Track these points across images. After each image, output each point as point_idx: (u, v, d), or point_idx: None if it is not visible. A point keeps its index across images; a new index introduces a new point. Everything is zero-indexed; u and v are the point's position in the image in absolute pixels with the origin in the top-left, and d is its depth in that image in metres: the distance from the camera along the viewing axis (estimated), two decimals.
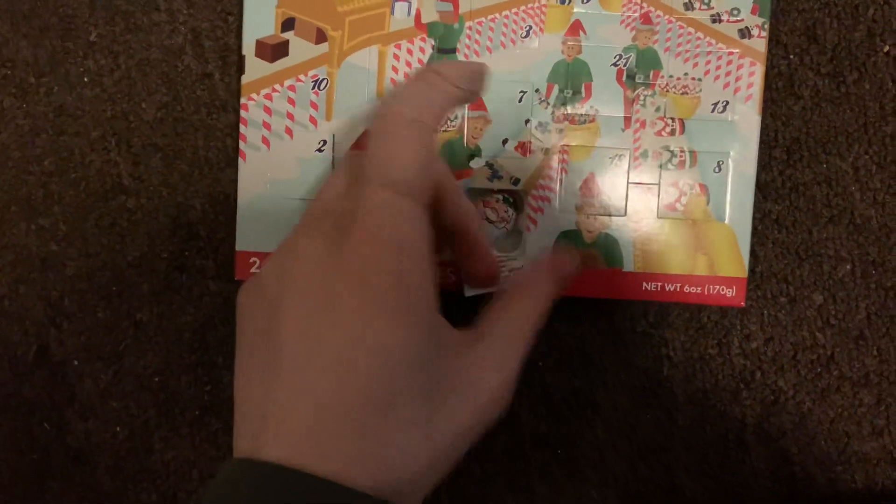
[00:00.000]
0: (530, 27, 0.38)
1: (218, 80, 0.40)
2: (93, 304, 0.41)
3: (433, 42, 0.38)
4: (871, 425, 0.40)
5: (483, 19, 0.38)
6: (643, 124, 0.38)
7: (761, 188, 0.40)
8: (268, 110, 0.38)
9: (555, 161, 0.38)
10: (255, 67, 0.38)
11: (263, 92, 0.38)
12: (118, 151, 0.40)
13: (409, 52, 0.38)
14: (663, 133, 0.38)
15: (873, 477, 0.41)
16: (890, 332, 0.40)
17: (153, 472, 0.41)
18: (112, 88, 0.40)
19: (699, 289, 0.38)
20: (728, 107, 0.38)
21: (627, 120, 0.38)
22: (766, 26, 0.38)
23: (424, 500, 0.26)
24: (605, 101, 0.38)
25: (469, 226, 0.31)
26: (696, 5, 0.38)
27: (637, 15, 0.38)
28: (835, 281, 0.40)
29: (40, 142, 0.40)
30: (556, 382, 0.41)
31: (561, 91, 0.38)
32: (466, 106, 0.38)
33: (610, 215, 0.38)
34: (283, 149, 0.38)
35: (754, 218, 0.39)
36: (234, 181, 0.39)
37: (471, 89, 0.28)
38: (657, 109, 0.38)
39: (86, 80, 0.40)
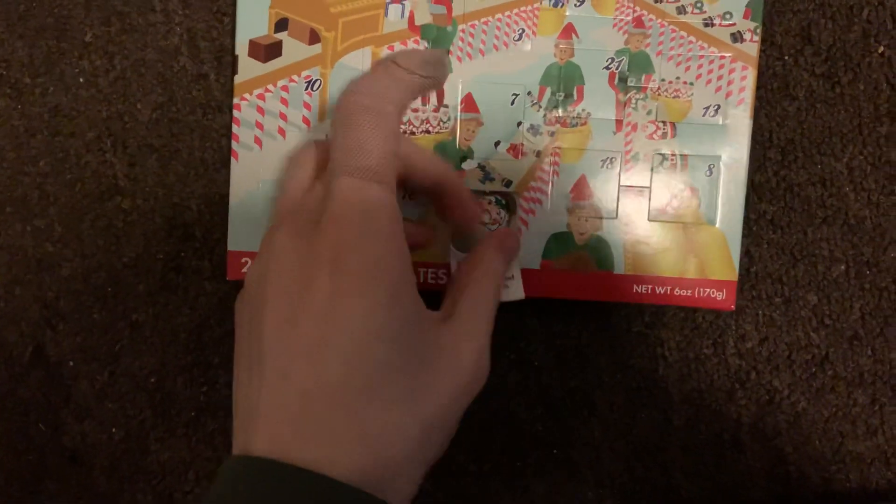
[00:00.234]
0: (523, 30, 0.38)
1: (213, 80, 0.40)
2: (88, 304, 0.41)
3: (426, 44, 0.38)
4: (866, 425, 0.41)
5: (476, 22, 0.38)
6: (635, 127, 0.38)
7: (756, 189, 0.40)
8: (261, 110, 0.38)
9: (546, 163, 0.38)
10: (248, 67, 0.38)
11: (256, 92, 0.38)
12: (114, 152, 0.40)
13: None
14: (655, 136, 0.38)
15: (867, 476, 0.41)
16: (884, 333, 0.40)
17: (149, 473, 0.42)
18: (107, 89, 0.40)
19: (690, 292, 0.38)
20: (720, 110, 0.38)
21: (619, 123, 0.38)
22: (759, 30, 0.38)
23: (422, 480, 0.27)
24: (597, 104, 0.38)
25: (444, 176, 0.32)
26: (689, 9, 0.38)
27: (629, 18, 0.38)
28: (829, 281, 0.40)
29: (35, 142, 0.40)
30: (552, 382, 0.41)
31: (553, 94, 0.38)
32: (459, 108, 0.38)
33: (601, 218, 0.38)
34: (275, 149, 0.38)
35: (749, 219, 0.39)
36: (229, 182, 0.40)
37: (430, 75, 0.28)
38: (649, 113, 0.38)
39: (81, 80, 0.40)
